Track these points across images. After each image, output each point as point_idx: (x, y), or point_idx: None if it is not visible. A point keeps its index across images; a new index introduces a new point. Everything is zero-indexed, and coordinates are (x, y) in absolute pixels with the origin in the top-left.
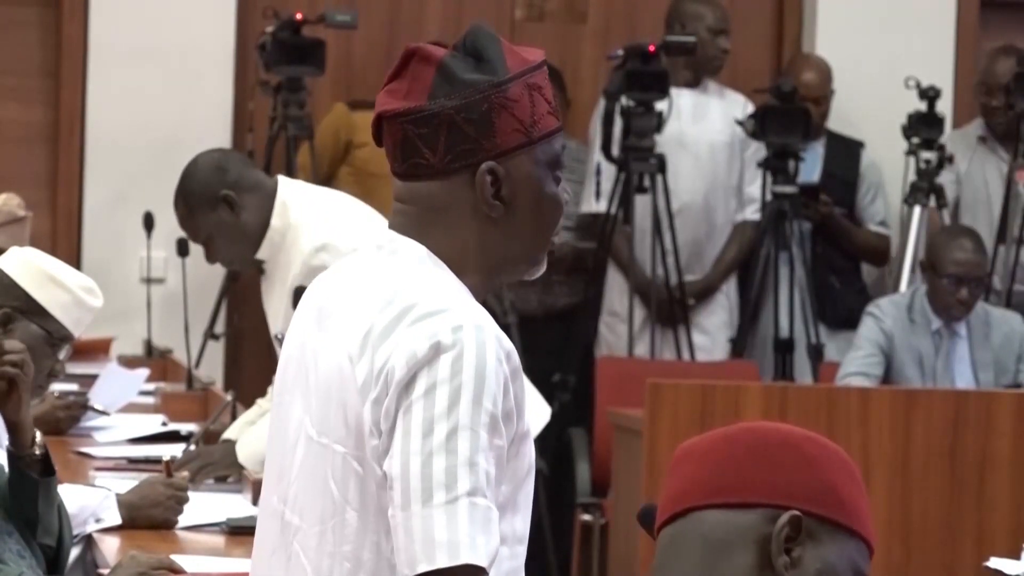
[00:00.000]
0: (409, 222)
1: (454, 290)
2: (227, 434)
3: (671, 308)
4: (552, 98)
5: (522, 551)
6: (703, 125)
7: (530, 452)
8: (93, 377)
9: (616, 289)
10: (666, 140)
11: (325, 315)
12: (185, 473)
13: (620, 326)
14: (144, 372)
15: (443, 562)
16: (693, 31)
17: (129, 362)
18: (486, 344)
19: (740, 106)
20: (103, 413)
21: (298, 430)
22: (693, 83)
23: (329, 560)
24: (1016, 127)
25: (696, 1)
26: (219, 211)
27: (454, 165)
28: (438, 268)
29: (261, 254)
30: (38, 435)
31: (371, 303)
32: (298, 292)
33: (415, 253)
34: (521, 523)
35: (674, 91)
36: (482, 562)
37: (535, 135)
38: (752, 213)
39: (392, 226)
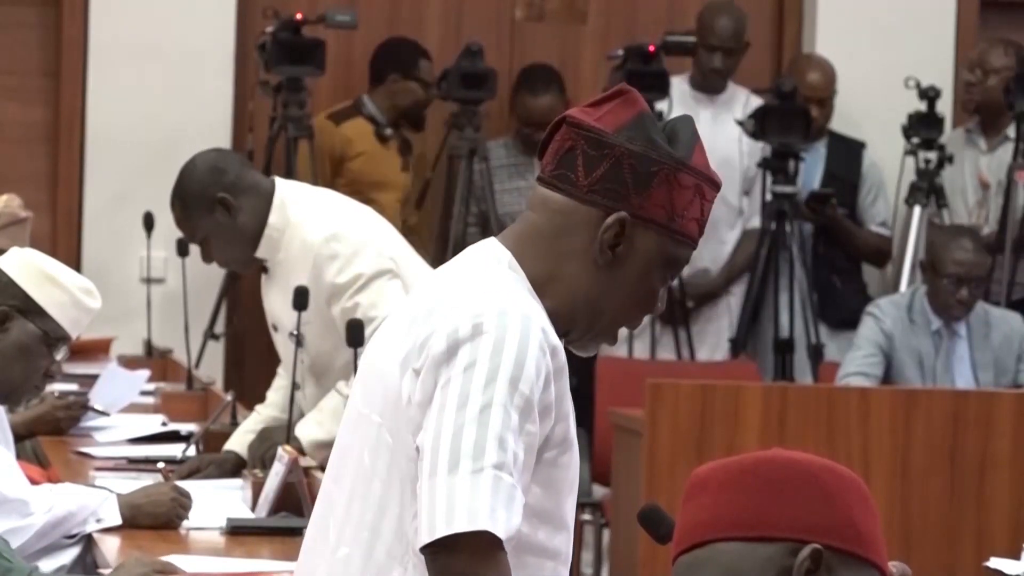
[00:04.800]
0: (523, 229)
1: (515, 289)
2: (228, 445)
3: (671, 308)
4: (706, 218)
5: (564, 572)
6: (718, 134)
7: (574, 464)
8: (93, 377)
9: None
10: None
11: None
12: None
13: None
14: (144, 373)
15: (461, 526)
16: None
17: (129, 362)
18: (530, 333)
19: (742, 106)
20: (103, 413)
21: (352, 407)
22: (712, 90)
23: (353, 529)
24: (984, 107)
25: (715, 15)
26: (216, 213)
27: (595, 197)
28: (511, 271)
29: (260, 253)
30: None
31: (430, 294)
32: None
33: (495, 254)
34: (565, 542)
35: (692, 99)
36: (500, 532)
37: (674, 226)
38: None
39: (508, 231)
